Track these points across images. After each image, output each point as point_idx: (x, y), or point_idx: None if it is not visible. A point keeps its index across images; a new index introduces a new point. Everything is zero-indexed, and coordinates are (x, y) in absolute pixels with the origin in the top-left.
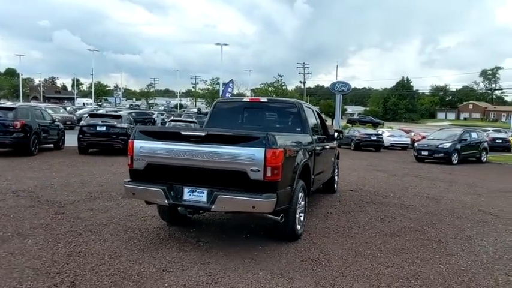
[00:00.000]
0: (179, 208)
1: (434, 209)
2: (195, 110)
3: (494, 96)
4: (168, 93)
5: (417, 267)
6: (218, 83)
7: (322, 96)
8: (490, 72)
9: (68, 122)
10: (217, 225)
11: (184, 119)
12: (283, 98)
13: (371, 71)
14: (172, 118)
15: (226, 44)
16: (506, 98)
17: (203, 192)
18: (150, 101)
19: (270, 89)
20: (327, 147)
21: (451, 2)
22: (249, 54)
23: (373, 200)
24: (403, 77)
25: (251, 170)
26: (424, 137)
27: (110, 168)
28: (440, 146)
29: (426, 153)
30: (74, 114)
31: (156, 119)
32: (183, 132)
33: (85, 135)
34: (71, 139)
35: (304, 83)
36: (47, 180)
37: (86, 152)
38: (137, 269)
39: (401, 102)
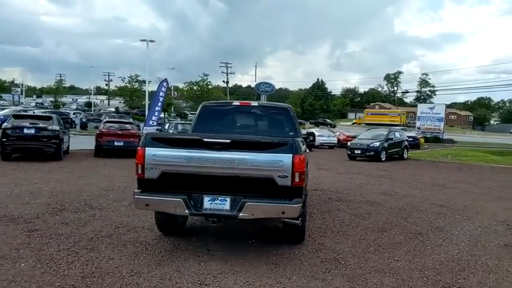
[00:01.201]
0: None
1: (396, 204)
2: (113, 109)
3: (396, 98)
4: (73, 90)
5: (421, 259)
6: (138, 81)
7: (241, 96)
8: (392, 76)
9: None
10: (216, 233)
11: (122, 120)
12: (274, 103)
13: (286, 72)
14: (107, 119)
15: (152, 41)
16: (405, 100)
17: (226, 200)
18: (59, 99)
19: (195, 87)
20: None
21: (355, 10)
22: (162, 50)
23: (340, 198)
24: (318, 79)
25: (279, 176)
26: (348, 137)
27: (51, 176)
28: (371, 145)
29: (359, 151)
30: None
31: (74, 119)
32: (205, 139)
33: (9, 138)
34: None
35: (227, 82)
36: None
37: (9, 158)
38: (172, 285)
39: (317, 103)
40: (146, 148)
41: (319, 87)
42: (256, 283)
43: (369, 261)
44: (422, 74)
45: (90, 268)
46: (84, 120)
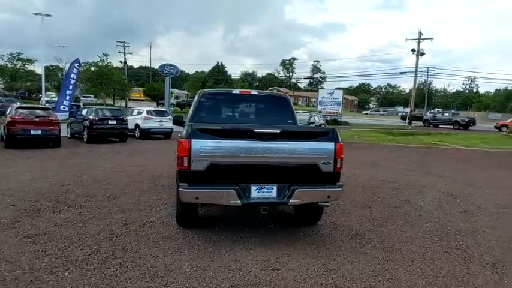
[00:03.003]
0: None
1: (352, 182)
2: None
3: (292, 83)
4: None
5: (419, 228)
6: (20, 59)
7: (133, 77)
8: (287, 62)
9: None
10: (229, 221)
11: (38, 106)
12: (271, 91)
13: (180, 54)
14: (19, 105)
15: (49, 15)
16: (300, 85)
17: (272, 188)
18: None
19: (92, 69)
20: None
21: None
22: (35, 25)
23: None
24: (217, 62)
25: (322, 163)
26: None
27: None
28: None
29: None
30: None
31: None
32: (256, 130)
33: None
34: None
35: (125, 63)
36: None
37: None
38: (247, 274)
39: (217, 86)
40: (192, 140)
41: (219, 70)
42: (318, 262)
43: (385, 234)
44: (314, 61)
45: (147, 268)
46: None
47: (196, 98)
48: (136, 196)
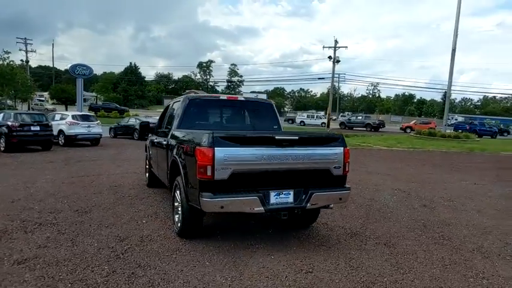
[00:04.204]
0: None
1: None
2: None
3: (209, 86)
4: None
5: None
6: None
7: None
8: (205, 64)
9: None
10: (230, 230)
11: None
12: (257, 97)
13: (84, 53)
14: None
15: None
16: (217, 88)
17: (289, 194)
18: None
19: None
20: None
21: None
22: None
23: None
24: (130, 63)
25: (334, 167)
26: None
27: None
28: None
29: None
30: None
31: None
32: (277, 137)
33: None
34: None
35: (27, 62)
36: None
37: None
38: (285, 278)
39: (131, 88)
40: (216, 148)
41: (132, 71)
42: (339, 262)
43: (376, 231)
44: (232, 65)
45: (181, 283)
46: None
47: (181, 103)
48: (109, 209)
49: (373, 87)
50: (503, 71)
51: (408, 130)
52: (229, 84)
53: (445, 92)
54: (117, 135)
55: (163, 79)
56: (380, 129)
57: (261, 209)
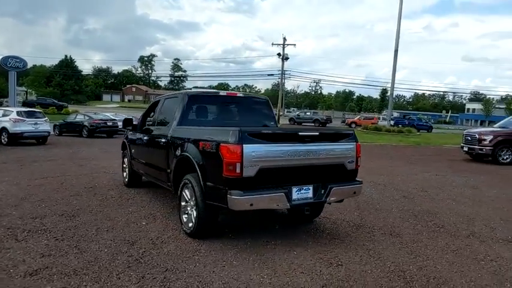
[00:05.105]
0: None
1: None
2: None
3: (151, 81)
4: None
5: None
6: None
7: None
8: (146, 58)
9: None
10: (237, 227)
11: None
12: (254, 94)
13: (7, 44)
14: None
15: None
16: (160, 83)
17: (309, 189)
18: None
19: None
20: None
21: None
22: None
23: None
24: (66, 55)
25: (348, 162)
26: None
27: None
28: None
29: None
30: None
31: None
32: (300, 133)
33: None
34: None
35: None
36: None
37: None
38: (315, 275)
39: (67, 82)
40: (244, 145)
41: (67, 64)
42: (360, 253)
43: (375, 222)
44: (175, 59)
45: (221, 284)
46: None
47: (179, 100)
48: (98, 212)
49: (315, 84)
50: (430, 70)
51: (353, 125)
52: (173, 79)
53: (383, 89)
54: (63, 132)
55: (101, 73)
56: (327, 125)
57: (287, 205)
